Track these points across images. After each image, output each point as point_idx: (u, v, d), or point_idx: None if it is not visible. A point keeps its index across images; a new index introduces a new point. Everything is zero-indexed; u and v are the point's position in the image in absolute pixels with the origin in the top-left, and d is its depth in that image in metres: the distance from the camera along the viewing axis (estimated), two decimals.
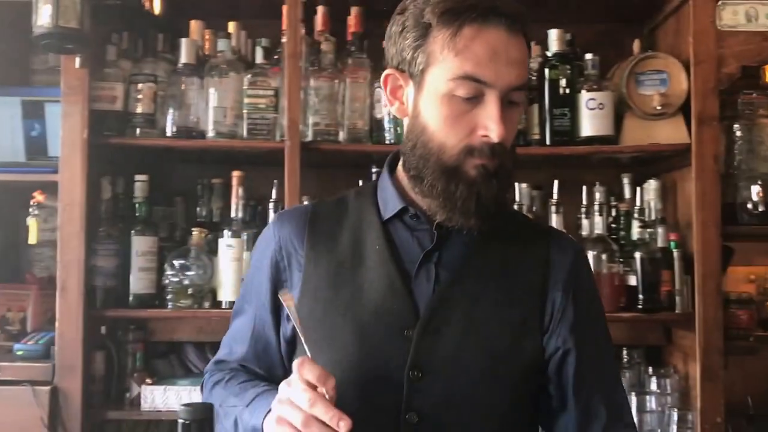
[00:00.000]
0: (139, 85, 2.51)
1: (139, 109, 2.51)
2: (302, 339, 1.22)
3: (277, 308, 1.42)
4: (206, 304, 2.53)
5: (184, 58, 2.52)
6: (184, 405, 0.97)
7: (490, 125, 1.25)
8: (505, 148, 1.28)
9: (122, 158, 2.63)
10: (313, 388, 1.14)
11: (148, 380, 2.55)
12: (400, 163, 1.40)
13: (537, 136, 2.56)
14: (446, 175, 1.27)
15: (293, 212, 1.48)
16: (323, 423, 1.11)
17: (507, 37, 1.25)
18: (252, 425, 1.26)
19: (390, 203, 1.39)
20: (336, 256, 1.38)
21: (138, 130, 2.51)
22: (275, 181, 2.56)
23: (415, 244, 1.36)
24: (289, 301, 1.28)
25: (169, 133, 2.51)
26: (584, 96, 2.53)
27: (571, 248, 1.44)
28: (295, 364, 1.17)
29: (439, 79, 1.26)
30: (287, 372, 1.35)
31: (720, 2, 2.45)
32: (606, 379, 1.40)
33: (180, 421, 0.95)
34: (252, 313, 1.46)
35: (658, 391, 2.57)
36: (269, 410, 1.21)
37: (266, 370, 1.45)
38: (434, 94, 1.27)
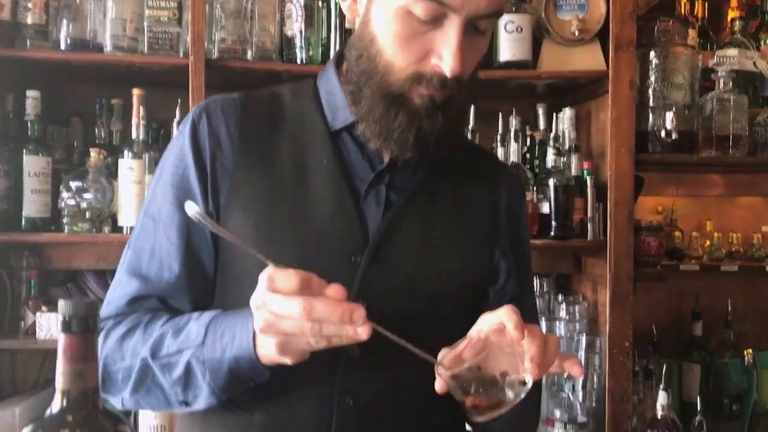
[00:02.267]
0: None
1: (29, 20, 2.32)
2: (248, 250, 1.02)
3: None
4: (106, 230, 2.40)
5: None
6: (65, 300, 0.85)
7: (445, 56, 1.08)
8: (460, 80, 1.11)
9: (11, 73, 2.43)
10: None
11: (44, 308, 2.42)
12: (344, 67, 1.23)
13: None
14: (387, 100, 1.13)
15: (220, 104, 1.24)
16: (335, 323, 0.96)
17: None
18: (234, 356, 1.05)
19: (340, 112, 1.22)
20: (273, 166, 1.20)
21: (28, 42, 2.33)
22: (179, 100, 2.42)
23: (366, 162, 1.22)
24: (199, 216, 1.03)
25: (63, 47, 2.32)
26: (503, 18, 2.46)
27: (517, 182, 1.40)
28: (263, 277, 0.98)
29: None
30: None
31: None
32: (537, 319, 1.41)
33: (60, 317, 0.82)
34: (177, 228, 1.20)
35: (567, 317, 2.59)
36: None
37: (195, 304, 1.20)
38: (389, 5, 1.09)
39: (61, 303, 0.82)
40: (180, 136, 1.24)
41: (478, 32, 1.12)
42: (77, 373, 0.82)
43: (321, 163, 1.19)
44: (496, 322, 1.03)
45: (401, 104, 1.13)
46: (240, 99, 1.25)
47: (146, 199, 1.27)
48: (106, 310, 1.22)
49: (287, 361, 1.02)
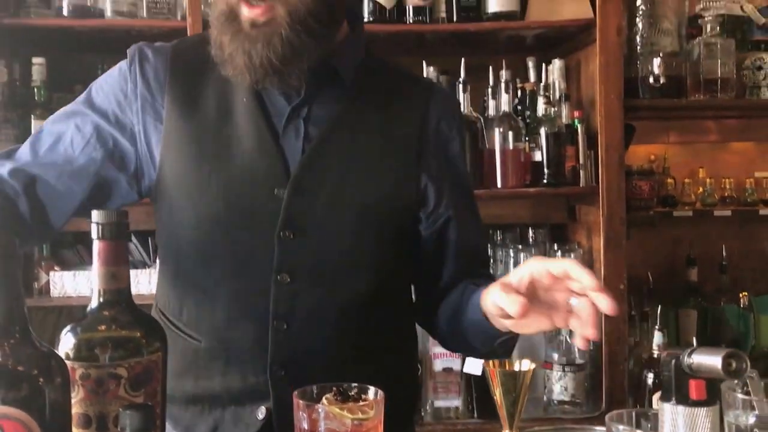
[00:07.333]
0: None
1: None
2: None
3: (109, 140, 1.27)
4: None
5: None
6: (97, 210, 0.90)
7: None
8: None
9: (16, 41, 2.51)
10: None
11: (56, 267, 2.50)
12: None
13: (444, 14, 2.54)
14: (222, 25, 1.17)
15: (153, 51, 1.29)
16: None
17: None
18: None
19: None
20: (201, 107, 1.26)
21: (32, 10, 2.40)
22: None
23: (283, 98, 1.26)
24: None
25: (65, 13, 2.40)
26: None
27: (450, 105, 1.41)
28: None
29: None
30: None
31: None
32: (479, 239, 1.42)
33: (93, 225, 0.91)
34: (82, 123, 1.27)
35: None
36: None
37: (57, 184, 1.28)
38: None
39: (95, 212, 0.91)
40: (115, 70, 1.31)
41: None
42: (111, 275, 0.93)
43: (242, 103, 1.25)
44: (557, 269, 1.01)
45: (229, 28, 1.17)
46: (171, 46, 1.31)
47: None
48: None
49: None
